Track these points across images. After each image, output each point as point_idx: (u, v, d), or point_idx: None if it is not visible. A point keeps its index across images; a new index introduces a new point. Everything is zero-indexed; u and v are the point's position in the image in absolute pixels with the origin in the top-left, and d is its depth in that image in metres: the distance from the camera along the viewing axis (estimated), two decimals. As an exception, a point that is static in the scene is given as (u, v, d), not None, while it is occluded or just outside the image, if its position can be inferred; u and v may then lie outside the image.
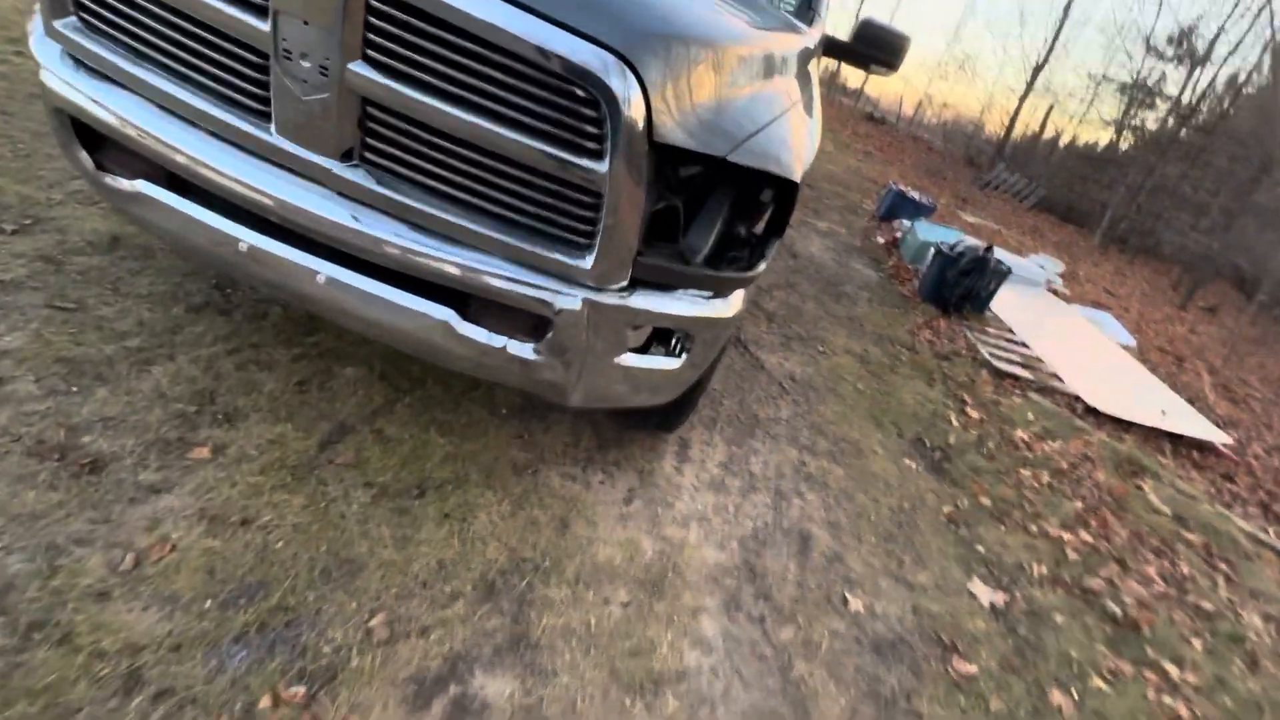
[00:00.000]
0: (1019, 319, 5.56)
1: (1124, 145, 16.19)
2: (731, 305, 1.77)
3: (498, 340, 1.54)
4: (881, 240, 6.98)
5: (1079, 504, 3.22)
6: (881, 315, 4.88)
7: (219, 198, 1.48)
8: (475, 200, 1.41)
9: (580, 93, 1.25)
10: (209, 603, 1.43)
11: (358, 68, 1.28)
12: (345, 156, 1.41)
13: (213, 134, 1.44)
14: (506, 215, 1.42)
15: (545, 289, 1.47)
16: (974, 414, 3.80)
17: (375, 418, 2.08)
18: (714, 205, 1.73)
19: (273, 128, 1.40)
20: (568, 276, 1.48)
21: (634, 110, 1.26)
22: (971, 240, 5.85)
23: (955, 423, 3.65)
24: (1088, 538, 2.96)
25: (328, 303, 1.54)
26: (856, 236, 6.90)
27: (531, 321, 1.55)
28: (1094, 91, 18.22)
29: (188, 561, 1.49)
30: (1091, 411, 4.34)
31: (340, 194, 1.43)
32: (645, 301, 1.58)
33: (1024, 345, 5.06)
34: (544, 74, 1.24)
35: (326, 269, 1.48)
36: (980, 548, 2.67)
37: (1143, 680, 2.28)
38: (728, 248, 1.79)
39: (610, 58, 1.22)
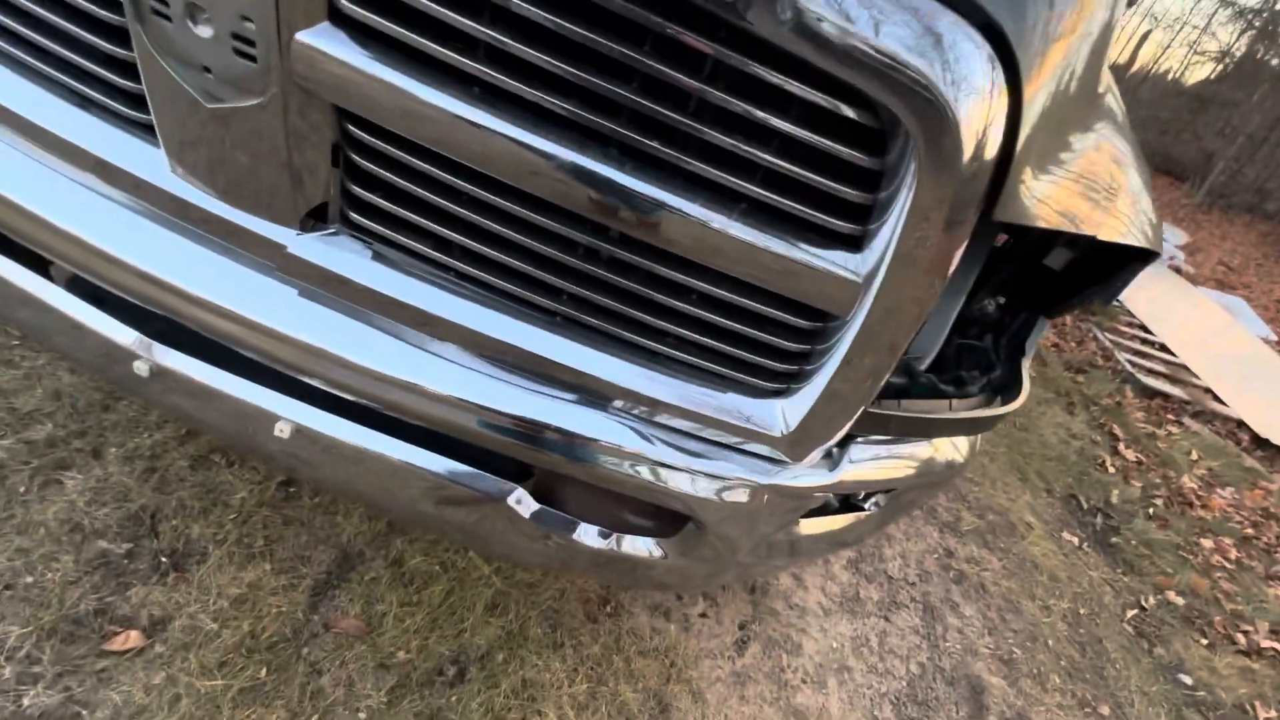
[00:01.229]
0: (1150, 311, 4.68)
1: (1237, 84, 14.12)
2: (965, 443, 1.06)
3: (593, 536, 0.87)
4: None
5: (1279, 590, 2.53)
6: (995, 309, 4.06)
7: (100, 286, 0.79)
8: (565, 309, 0.71)
9: (855, 113, 0.52)
10: None
11: (317, 40, 0.56)
12: (312, 218, 0.70)
13: (72, 169, 0.74)
14: (618, 333, 0.72)
15: (690, 470, 0.78)
16: (1129, 454, 3.06)
17: (391, 539, 1.45)
18: (955, 276, 1.00)
19: (164, 159, 0.69)
20: (741, 447, 0.79)
21: (984, 149, 0.53)
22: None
23: (1111, 468, 2.92)
24: (1308, 649, 2.28)
25: (292, 461, 0.88)
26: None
27: (653, 508, 0.87)
28: (1203, 17, 15.88)
29: None
30: (1258, 442, 3.55)
31: (304, 287, 0.73)
32: (856, 469, 0.88)
33: (1164, 348, 4.22)
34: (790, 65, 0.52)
35: (290, 411, 0.80)
36: (1186, 679, 2.02)
37: None
38: (966, 349, 1.06)
39: (974, 34, 0.48)
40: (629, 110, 0.58)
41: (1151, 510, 2.73)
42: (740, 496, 0.79)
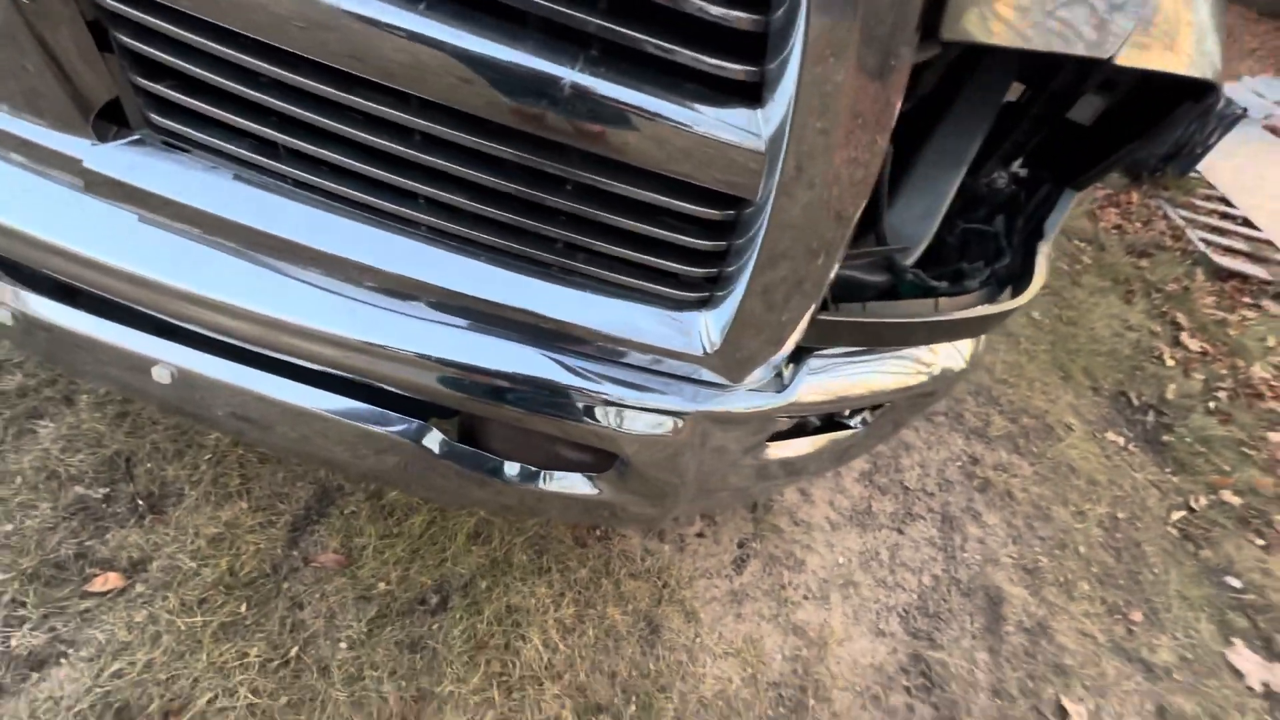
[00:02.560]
0: (1235, 182, 4.12)
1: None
2: (966, 346, 0.90)
3: (518, 475, 0.78)
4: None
5: (1357, 486, 2.30)
6: (1049, 191, 3.64)
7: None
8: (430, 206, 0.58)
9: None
10: None
11: None
12: (104, 121, 0.58)
13: None
14: (486, 240, 0.59)
15: (592, 397, 0.67)
16: (1193, 344, 2.77)
17: (370, 472, 1.42)
18: (947, 144, 0.80)
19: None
20: (670, 371, 0.67)
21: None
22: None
23: (1170, 361, 2.66)
24: (1381, 547, 2.09)
25: (189, 409, 0.81)
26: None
27: (576, 444, 0.76)
28: None
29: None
30: (1350, 322, 3.16)
31: (142, 212, 0.62)
32: (813, 388, 0.75)
33: (1247, 223, 3.73)
34: None
35: (167, 355, 0.72)
36: (1234, 582, 1.88)
37: None
38: (974, 234, 0.88)
39: None
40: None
41: (1213, 405, 2.49)
42: (664, 428, 0.68)
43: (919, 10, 0.37)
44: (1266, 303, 3.17)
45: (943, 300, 0.76)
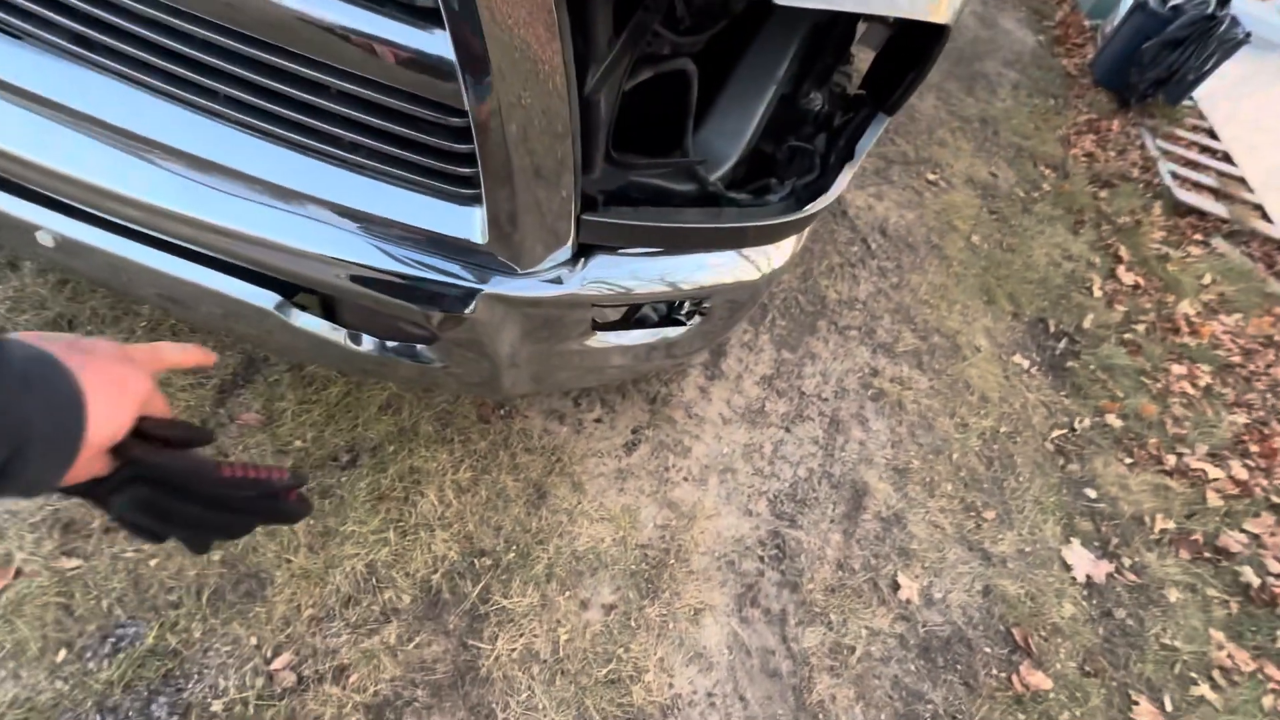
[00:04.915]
0: (1230, 112, 3.99)
1: None
2: (779, 251, 1.02)
3: (355, 339, 0.92)
4: (1053, -25, 4.95)
5: (1242, 418, 2.47)
6: (1028, 113, 3.56)
7: None
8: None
9: None
10: (63, 654, 1.15)
11: None
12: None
13: None
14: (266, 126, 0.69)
15: (388, 274, 0.79)
16: (1127, 277, 2.85)
17: (293, 347, 1.57)
18: (755, 69, 0.87)
19: None
20: (452, 252, 0.79)
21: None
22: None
23: (1099, 292, 2.75)
24: (1241, 472, 2.29)
25: (75, 269, 0.93)
26: (1018, -29, 4.90)
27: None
28: None
29: (34, 596, 1.18)
30: (1297, 265, 3.22)
31: None
32: (610, 274, 0.87)
33: (1227, 158, 3.67)
34: None
35: (47, 221, 0.84)
36: (1091, 492, 2.09)
37: (1261, 680, 1.85)
38: (782, 145, 0.96)
39: None
40: None
41: (1127, 336, 2.61)
42: (462, 308, 0.80)
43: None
44: (1217, 241, 3.20)
45: (728, 210, 0.87)
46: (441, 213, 0.74)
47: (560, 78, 0.56)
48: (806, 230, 1.05)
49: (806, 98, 0.94)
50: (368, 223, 0.75)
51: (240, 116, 0.69)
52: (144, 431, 0.43)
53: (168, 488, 0.43)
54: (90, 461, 0.39)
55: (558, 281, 0.82)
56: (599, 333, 1.01)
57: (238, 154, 0.70)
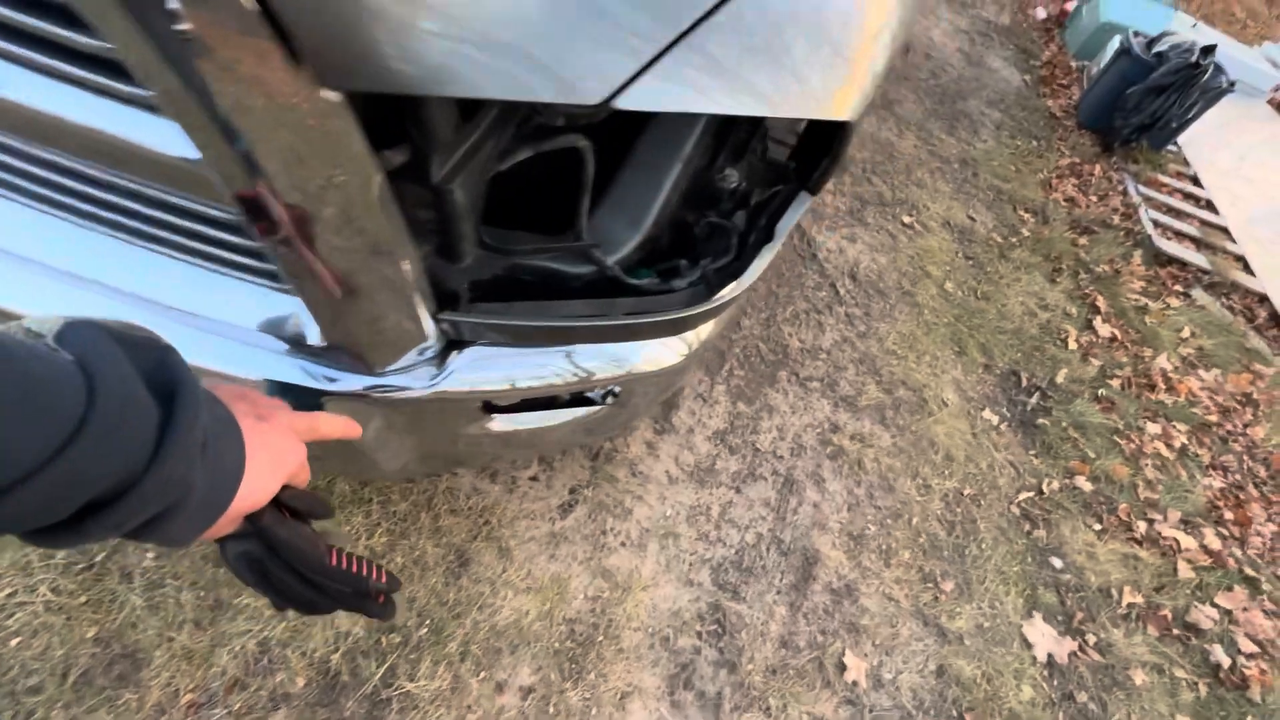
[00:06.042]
0: (1214, 160, 3.96)
1: None
2: (694, 336, 0.93)
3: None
4: (1043, 14, 4.96)
5: (1217, 481, 2.39)
6: (1010, 154, 3.52)
7: None
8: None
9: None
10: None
11: None
12: None
13: None
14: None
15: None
16: (1104, 329, 2.78)
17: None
18: (660, 143, 0.79)
19: None
20: (299, 349, 0.70)
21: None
22: (1182, 29, 3.96)
23: (1074, 344, 2.68)
24: (1214, 541, 2.20)
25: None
26: (1006, 9, 4.90)
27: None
28: None
29: None
30: (1277, 319, 3.16)
31: None
32: (485, 371, 0.78)
33: (1210, 206, 3.63)
34: None
35: None
36: (1057, 562, 2.00)
37: (1229, 773, 1.75)
38: (701, 219, 0.88)
39: None
40: None
41: (1101, 392, 2.53)
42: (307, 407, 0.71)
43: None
44: (1197, 293, 3.14)
45: (623, 301, 0.78)
46: (273, 306, 0.65)
47: (359, 181, 0.47)
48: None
49: (721, 174, 0.85)
50: (191, 318, 0.65)
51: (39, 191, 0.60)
52: (278, 499, 0.45)
53: (277, 556, 0.45)
54: (225, 524, 0.40)
55: (421, 380, 0.73)
56: (496, 416, 0.92)
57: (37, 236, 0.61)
